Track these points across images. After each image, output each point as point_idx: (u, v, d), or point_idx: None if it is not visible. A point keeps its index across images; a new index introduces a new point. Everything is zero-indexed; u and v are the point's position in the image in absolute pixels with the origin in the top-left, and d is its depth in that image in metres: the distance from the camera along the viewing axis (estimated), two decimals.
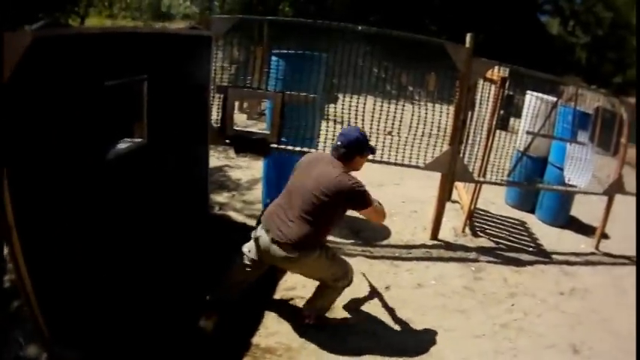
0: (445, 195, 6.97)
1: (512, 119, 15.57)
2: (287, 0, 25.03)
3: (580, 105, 8.48)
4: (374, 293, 5.51)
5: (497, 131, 7.20)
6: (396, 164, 6.76)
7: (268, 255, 4.33)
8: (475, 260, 6.82)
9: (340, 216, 4.58)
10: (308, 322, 4.72)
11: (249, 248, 4.54)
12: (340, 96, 7.42)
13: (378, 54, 8.61)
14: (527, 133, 7.56)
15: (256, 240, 4.41)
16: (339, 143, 4.45)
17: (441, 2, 27.92)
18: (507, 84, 6.96)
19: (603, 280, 7.29)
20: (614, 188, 8.13)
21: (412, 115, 6.75)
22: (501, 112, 7.29)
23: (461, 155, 6.98)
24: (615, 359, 5.38)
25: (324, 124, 7.01)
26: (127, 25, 22.21)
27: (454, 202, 8.56)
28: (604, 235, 8.65)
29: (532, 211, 9.11)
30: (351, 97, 6.87)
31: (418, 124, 6.75)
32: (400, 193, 8.73)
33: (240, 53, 11.55)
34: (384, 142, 6.68)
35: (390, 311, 5.17)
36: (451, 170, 6.70)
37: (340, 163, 4.43)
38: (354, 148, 4.49)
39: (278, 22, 8.42)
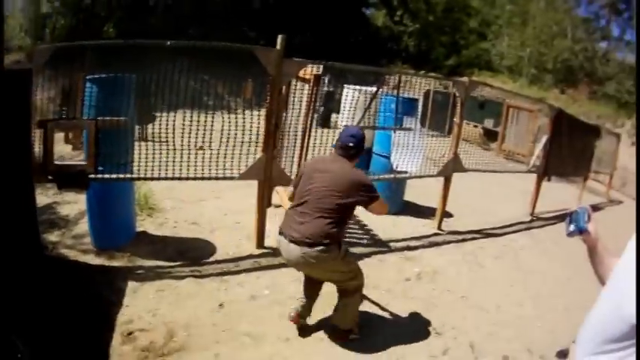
0: (265, 202, 6.93)
1: (334, 115, 15.79)
2: (111, 21, 24.30)
3: (408, 91, 8.62)
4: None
5: (319, 129, 7.25)
6: (210, 178, 6.64)
7: (290, 257, 4.60)
8: None
9: (353, 212, 4.93)
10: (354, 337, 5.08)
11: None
12: (158, 114, 7.28)
13: (198, 67, 8.49)
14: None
15: (279, 248, 4.72)
16: (350, 144, 4.77)
17: (260, 8, 27.88)
18: (327, 80, 7.02)
19: (452, 259, 7.62)
20: (450, 168, 8.42)
21: (228, 124, 6.64)
22: (321, 109, 7.32)
23: (277, 159, 6.97)
24: (485, 334, 5.59)
25: (143, 145, 6.70)
26: None
27: (278, 206, 8.32)
28: (446, 214, 9.02)
29: None
30: (168, 114, 6.79)
31: (229, 133, 6.66)
32: (222, 205, 8.67)
33: (61, 83, 11.15)
34: (196, 158, 6.57)
35: (229, 327, 5.11)
36: (267, 177, 6.70)
37: (348, 161, 4.78)
38: (363, 146, 4.95)
39: (94, 47, 8.15)
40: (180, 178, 6.52)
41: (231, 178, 6.65)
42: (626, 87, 30.09)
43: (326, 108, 15.83)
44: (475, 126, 20.00)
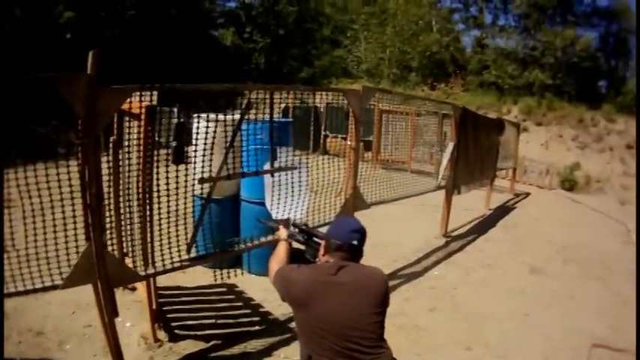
0: (109, 309, 4.72)
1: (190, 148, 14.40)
2: None
3: (262, 113, 6.46)
4: None
5: (173, 167, 5.40)
6: (18, 294, 4.41)
7: None
8: None
9: None
10: None
11: None
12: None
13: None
14: (200, 181, 5.39)
15: None
16: (354, 242, 3.46)
17: (105, 40, 25.83)
18: (177, 111, 5.05)
19: None
20: (350, 207, 6.97)
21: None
22: (173, 143, 5.38)
23: (110, 247, 4.92)
24: None
25: None
26: None
27: (133, 289, 6.57)
28: None
29: (238, 264, 7.38)
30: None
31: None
32: (68, 298, 6.44)
33: None
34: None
35: None
36: (102, 276, 4.52)
37: (357, 263, 3.50)
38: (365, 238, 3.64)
39: None
40: None
41: (54, 288, 4.47)
42: (508, 72, 30.80)
43: (179, 142, 14.27)
44: (344, 138, 19.02)
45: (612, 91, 29.94)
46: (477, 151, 10.83)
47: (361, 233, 3.51)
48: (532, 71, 29.74)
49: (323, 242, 3.57)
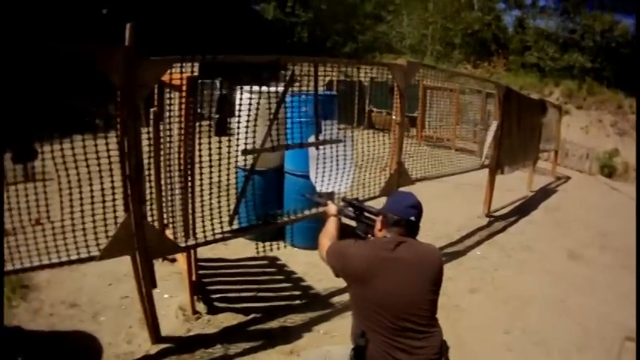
0: (148, 280, 4.67)
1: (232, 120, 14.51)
2: None
3: (306, 87, 6.32)
4: None
5: (221, 138, 5.33)
6: (52, 265, 4.39)
7: None
8: (225, 358, 4.82)
9: None
10: None
11: None
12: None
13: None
14: (244, 152, 5.27)
15: None
16: (412, 218, 3.40)
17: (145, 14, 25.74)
18: (220, 83, 4.91)
19: None
20: (394, 183, 6.83)
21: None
22: (216, 116, 5.24)
23: (150, 218, 4.75)
24: None
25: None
26: None
27: (173, 260, 6.47)
28: None
29: (281, 237, 7.29)
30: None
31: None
32: (105, 269, 6.31)
33: None
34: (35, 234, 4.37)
35: None
36: (140, 247, 4.45)
37: (414, 239, 3.43)
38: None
39: None
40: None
41: (90, 260, 4.42)
42: (549, 54, 30.52)
43: (222, 114, 14.88)
44: (388, 113, 18.94)
45: None
46: (520, 131, 10.62)
47: (418, 209, 3.43)
48: (572, 54, 29.45)
49: (380, 217, 3.48)
